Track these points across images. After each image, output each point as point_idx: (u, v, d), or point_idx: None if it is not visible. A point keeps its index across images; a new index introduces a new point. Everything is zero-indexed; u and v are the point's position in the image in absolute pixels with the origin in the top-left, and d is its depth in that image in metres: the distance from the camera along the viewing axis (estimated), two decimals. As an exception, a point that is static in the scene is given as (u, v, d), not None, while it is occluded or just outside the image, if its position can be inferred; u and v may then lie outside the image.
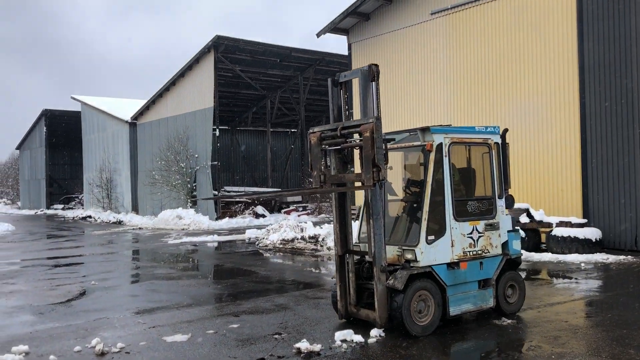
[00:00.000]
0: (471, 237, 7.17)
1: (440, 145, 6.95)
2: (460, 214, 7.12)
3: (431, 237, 6.75)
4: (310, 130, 7.25)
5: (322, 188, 7.16)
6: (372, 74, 6.82)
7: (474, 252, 7.19)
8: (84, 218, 37.00)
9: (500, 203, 7.58)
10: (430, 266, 6.72)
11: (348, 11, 19.08)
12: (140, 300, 9.75)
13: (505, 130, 7.93)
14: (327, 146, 7.12)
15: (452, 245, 6.97)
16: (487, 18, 16.20)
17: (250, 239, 19.79)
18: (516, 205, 14.27)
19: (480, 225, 7.28)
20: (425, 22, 17.85)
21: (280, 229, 18.24)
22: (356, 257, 7.22)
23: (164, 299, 9.68)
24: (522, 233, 13.75)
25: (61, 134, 50.95)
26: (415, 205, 7.26)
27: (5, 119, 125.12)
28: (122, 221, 32.44)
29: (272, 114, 38.33)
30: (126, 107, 38.54)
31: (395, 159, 8.31)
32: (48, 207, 49.98)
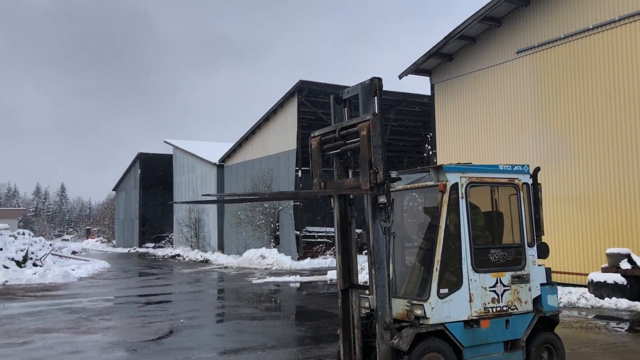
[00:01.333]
0: (494, 291, 6.27)
1: (455, 186, 6.20)
2: (481, 264, 6.26)
3: (444, 291, 5.93)
4: (311, 135, 6.64)
5: (318, 190, 6.43)
6: (374, 88, 6.14)
7: (498, 308, 6.27)
8: (173, 256, 38.53)
9: (531, 252, 6.66)
10: (442, 324, 5.88)
11: (431, 52, 19.09)
12: (226, 340, 9.91)
13: (537, 170, 7.06)
14: (327, 151, 6.49)
15: (471, 300, 6.08)
16: (576, 55, 15.63)
17: (332, 280, 19.72)
18: (616, 250, 13.36)
19: (506, 277, 6.38)
20: (511, 61, 17.49)
21: (362, 271, 18.05)
22: (365, 311, 6.34)
23: (248, 340, 9.78)
24: (623, 280, 12.80)
25: (153, 175, 53.88)
26: (432, 253, 6.33)
27: (103, 162, 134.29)
28: (208, 260, 33.44)
29: (353, 155, 38.50)
30: (213, 150, 40.26)
31: (415, 202, 7.69)
32: (140, 246, 52.55)
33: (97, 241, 67.67)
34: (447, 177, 6.22)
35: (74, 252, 38.15)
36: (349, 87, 6.65)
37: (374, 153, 5.77)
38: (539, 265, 6.77)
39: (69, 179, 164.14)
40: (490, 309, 6.22)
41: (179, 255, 38.24)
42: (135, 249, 51.88)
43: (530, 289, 6.57)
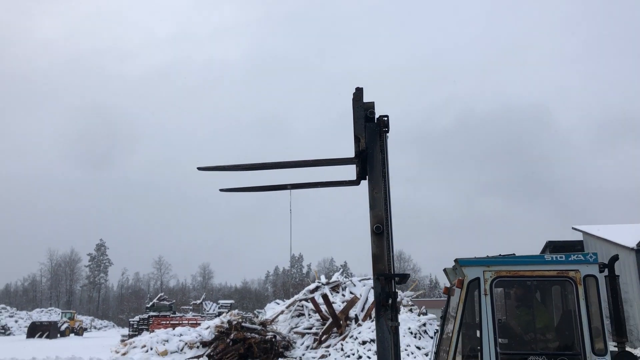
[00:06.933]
0: None
1: (475, 282, 5.56)
2: None
3: None
4: None
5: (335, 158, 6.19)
6: (380, 126, 5.87)
7: None
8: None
9: None
10: None
11: None
12: None
13: (614, 259, 5.74)
14: None
15: None
16: None
17: None
18: None
19: None
20: None
21: None
22: None
23: None
24: None
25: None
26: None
27: (514, 251, 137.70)
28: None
29: None
30: (630, 233, 36.92)
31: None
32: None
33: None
34: (464, 271, 5.67)
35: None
36: None
37: (356, 123, 5.85)
38: None
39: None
40: None
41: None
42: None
43: None
